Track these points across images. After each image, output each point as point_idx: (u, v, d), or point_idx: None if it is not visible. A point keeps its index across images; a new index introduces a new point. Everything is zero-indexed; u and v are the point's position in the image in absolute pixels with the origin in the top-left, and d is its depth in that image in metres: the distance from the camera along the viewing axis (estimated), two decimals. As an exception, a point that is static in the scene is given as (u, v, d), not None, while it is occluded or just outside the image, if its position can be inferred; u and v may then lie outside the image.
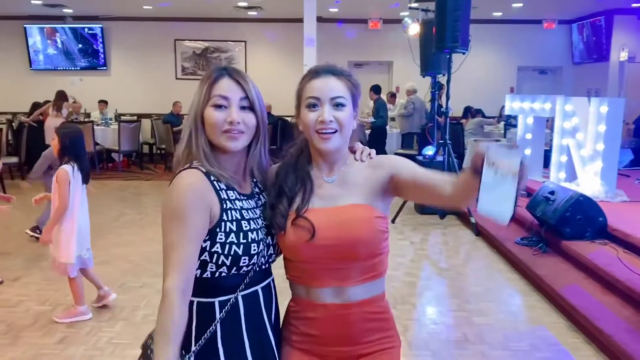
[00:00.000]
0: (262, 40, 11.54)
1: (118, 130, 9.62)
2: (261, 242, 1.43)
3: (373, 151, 1.56)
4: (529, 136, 6.95)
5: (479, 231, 5.78)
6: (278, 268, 1.53)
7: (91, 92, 11.13)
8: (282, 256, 1.51)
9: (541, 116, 6.77)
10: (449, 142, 6.38)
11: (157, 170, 10.12)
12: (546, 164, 6.80)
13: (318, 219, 1.41)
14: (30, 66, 11.61)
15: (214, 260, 1.38)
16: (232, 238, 1.39)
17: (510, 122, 9.16)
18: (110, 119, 10.35)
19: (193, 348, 1.39)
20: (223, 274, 1.40)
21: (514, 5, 9.80)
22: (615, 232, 4.50)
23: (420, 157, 7.04)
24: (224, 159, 1.45)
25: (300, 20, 8.99)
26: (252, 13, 10.72)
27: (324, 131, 1.41)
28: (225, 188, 1.43)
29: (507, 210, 1.15)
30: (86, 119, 10.07)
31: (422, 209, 6.72)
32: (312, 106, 1.44)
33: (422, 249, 5.42)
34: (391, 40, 11.11)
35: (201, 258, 1.38)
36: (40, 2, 9.82)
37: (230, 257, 1.38)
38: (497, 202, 1.15)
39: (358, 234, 1.40)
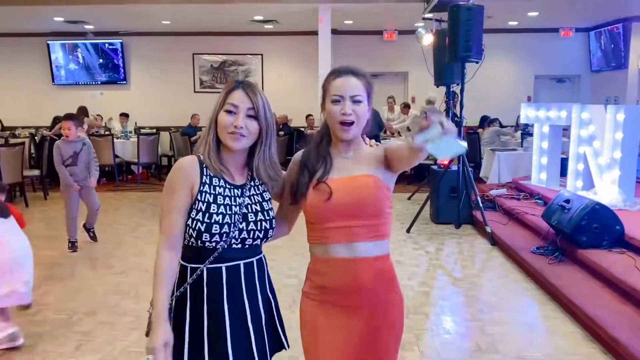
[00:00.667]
0: (278, 53, 11.66)
1: (137, 142, 9.78)
2: (228, 225, 1.68)
3: (374, 141, 1.87)
4: (545, 145, 6.89)
5: (494, 241, 5.73)
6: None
7: (111, 106, 11.37)
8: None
9: (557, 124, 6.72)
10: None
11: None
12: (563, 172, 6.74)
13: (335, 185, 1.72)
14: (53, 81, 11.89)
15: (187, 230, 1.68)
16: (199, 216, 1.67)
17: (527, 130, 9.10)
18: (130, 132, 10.53)
19: (174, 295, 1.70)
20: (192, 244, 1.69)
21: (530, 14, 9.76)
22: (632, 240, 4.44)
23: (435, 167, 7.02)
24: (226, 155, 1.75)
25: (316, 33, 9.10)
26: (268, 26, 10.86)
27: (345, 120, 1.72)
28: (211, 175, 1.72)
29: (460, 147, 1.44)
30: (106, 132, 10.26)
31: (437, 219, 6.69)
32: (336, 102, 1.73)
33: (436, 259, 5.39)
34: (406, 50, 11.14)
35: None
36: (62, 19, 10.08)
37: (195, 231, 1.66)
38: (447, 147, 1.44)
39: (366, 196, 1.71)
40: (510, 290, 4.49)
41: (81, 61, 11.89)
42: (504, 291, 4.48)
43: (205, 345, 1.68)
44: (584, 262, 4.43)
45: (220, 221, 1.67)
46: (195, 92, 11.95)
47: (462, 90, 6.35)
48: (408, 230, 6.29)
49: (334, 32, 9.56)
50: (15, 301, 3.41)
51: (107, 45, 11.75)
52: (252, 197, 1.76)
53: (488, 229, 5.82)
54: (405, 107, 10.51)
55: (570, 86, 11.98)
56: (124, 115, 10.98)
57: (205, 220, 1.66)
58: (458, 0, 6.27)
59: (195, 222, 1.66)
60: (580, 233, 4.53)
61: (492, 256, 5.46)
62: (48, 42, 11.68)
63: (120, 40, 11.66)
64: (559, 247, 4.78)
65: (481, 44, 5.98)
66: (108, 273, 4.87)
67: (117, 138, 10.10)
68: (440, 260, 5.36)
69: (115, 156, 9.72)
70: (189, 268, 1.71)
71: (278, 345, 1.85)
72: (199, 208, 1.67)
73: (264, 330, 1.78)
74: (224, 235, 1.68)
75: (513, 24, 10.78)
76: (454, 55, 5.96)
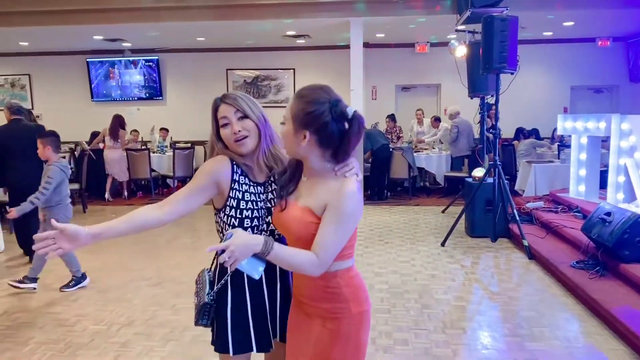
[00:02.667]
0: (310, 67, 11.75)
1: (173, 157, 9.96)
2: (257, 219, 1.93)
3: (359, 175, 1.81)
4: (583, 156, 6.73)
5: (532, 254, 5.60)
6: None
7: (148, 121, 11.61)
8: None
9: (596, 135, 6.55)
10: (499, 163, 6.26)
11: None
12: (602, 185, 6.56)
13: (280, 209, 1.83)
14: (92, 98, 12.23)
15: (223, 226, 1.93)
16: (232, 212, 1.91)
17: (564, 142, 8.91)
18: (166, 146, 10.73)
19: (215, 288, 1.96)
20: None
21: (565, 24, 9.60)
22: (678, 254, 4.27)
23: (469, 179, 6.93)
24: (240, 160, 1.95)
25: (347, 47, 9.13)
26: (300, 41, 10.96)
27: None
28: (239, 173, 1.93)
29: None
30: (142, 147, 10.48)
31: (472, 232, 6.58)
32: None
33: (472, 273, 5.29)
34: (439, 62, 11.08)
35: (221, 224, 1.94)
36: (101, 37, 10.40)
37: (229, 227, 1.90)
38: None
39: (290, 229, 1.78)
40: (550, 305, 4.37)
41: (119, 78, 12.21)
42: (543, 306, 4.36)
43: (251, 326, 1.95)
44: (627, 277, 4.28)
45: (250, 215, 1.91)
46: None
47: (496, 102, 6.26)
48: (443, 244, 6.21)
49: (366, 45, 9.58)
50: None
51: (143, 62, 12.05)
52: (273, 192, 1.95)
53: (525, 243, 5.70)
54: (436, 120, 10.43)
55: (608, 97, 11.69)
56: (164, 130, 11.22)
57: (237, 215, 1.90)
58: (492, 12, 6.21)
59: (229, 217, 1.91)
60: (622, 247, 4.39)
61: (529, 270, 5.34)
62: (87, 60, 12.05)
63: (157, 57, 11.94)
64: (600, 261, 4.64)
65: (516, 54, 5.91)
66: (144, 285, 4.95)
67: (153, 152, 10.31)
68: (476, 274, 5.26)
69: (152, 170, 9.92)
70: None
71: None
72: (231, 204, 1.91)
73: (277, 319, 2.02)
74: (255, 228, 1.92)
75: (548, 34, 10.61)
76: (488, 66, 5.90)
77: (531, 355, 3.45)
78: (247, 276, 1.90)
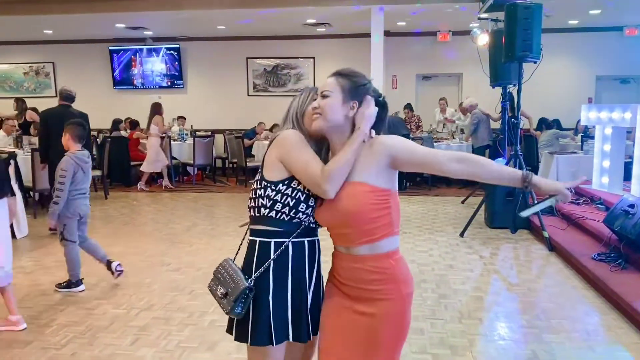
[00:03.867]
0: (330, 55, 11.70)
1: (193, 145, 10.03)
2: (311, 198, 1.89)
3: (372, 132, 1.86)
4: (607, 147, 6.60)
5: (552, 246, 5.53)
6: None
7: (169, 109, 11.69)
8: None
9: (621, 126, 6.42)
10: (520, 153, 6.17)
11: (229, 183, 10.44)
12: (627, 177, 6.42)
13: None
14: (114, 86, 12.37)
15: (282, 200, 1.86)
16: (300, 186, 1.87)
17: (588, 133, 8.75)
18: (186, 134, 10.82)
19: (253, 275, 1.88)
20: (283, 217, 1.87)
21: (591, 12, 9.39)
22: None
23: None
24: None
25: (368, 35, 9.07)
26: (321, 30, 10.91)
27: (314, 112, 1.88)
28: None
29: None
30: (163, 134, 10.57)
31: (492, 223, 6.52)
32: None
33: (491, 264, 5.25)
34: (460, 51, 10.95)
35: (273, 198, 1.87)
36: (123, 26, 10.49)
37: (294, 200, 1.86)
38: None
39: (346, 207, 1.79)
40: (569, 298, 4.32)
41: (140, 66, 12.32)
42: (563, 298, 4.31)
43: (289, 309, 1.91)
44: (650, 270, 4.20)
45: (309, 192, 1.88)
46: (248, 95, 12.15)
47: (519, 91, 6.17)
48: (462, 235, 6.17)
49: (387, 33, 9.50)
50: None
51: (165, 50, 12.13)
52: None
53: (546, 234, 5.62)
54: (463, 108, 10.25)
55: (635, 87, 11.43)
56: (182, 118, 11.33)
57: (305, 191, 1.88)
58: (515, -1, 6.10)
59: (296, 191, 1.87)
60: (646, 239, 4.30)
61: (549, 262, 5.27)
62: (110, 48, 12.17)
63: (178, 46, 12.01)
64: (622, 254, 4.56)
65: (539, 43, 5.79)
66: (163, 270, 5.01)
67: (174, 140, 10.40)
68: (495, 265, 5.22)
69: (172, 158, 10.01)
70: (272, 243, 1.89)
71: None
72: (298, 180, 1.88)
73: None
74: (312, 207, 1.90)
75: (573, 22, 10.40)
76: (511, 54, 5.80)
77: (548, 347, 3.41)
78: (291, 258, 1.89)
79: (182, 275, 4.85)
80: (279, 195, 1.87)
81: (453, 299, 4.26)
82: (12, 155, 6.27)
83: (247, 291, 1.85)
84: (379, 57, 8.73)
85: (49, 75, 12.67)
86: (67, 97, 6.42)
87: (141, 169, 9.54)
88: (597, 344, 3.53)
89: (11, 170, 6.00)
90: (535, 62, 5.93)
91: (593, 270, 4.48)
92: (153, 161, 9.45)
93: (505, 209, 6.35)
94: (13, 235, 6.06)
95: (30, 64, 12.66)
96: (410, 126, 10.17)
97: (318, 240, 2.01)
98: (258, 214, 1.92)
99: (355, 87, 1.85)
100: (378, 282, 1.83)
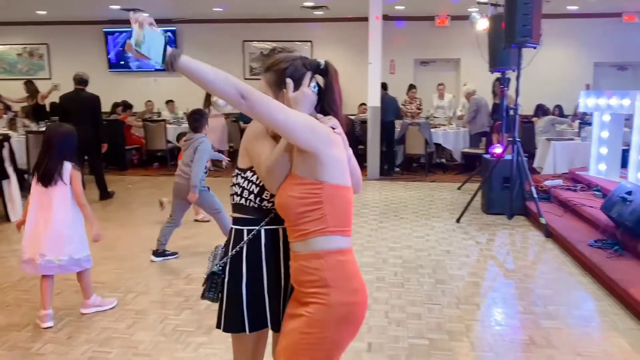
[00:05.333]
0: (327, 39, 11.60)
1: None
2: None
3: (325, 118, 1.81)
4: (604, 134, 6.60)
5: (549, 233, 5.54)
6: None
7: (164, 93, 11.62)
8: None
9: (619, 113, 6.40)
10: (518, 140, 6.16)
11: (224, 167, 10.36)
12: (624, 164, 6.43)
13: None
14: (109, 68, 12.24)
15: (248, 187, 1.85)
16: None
17: (585, 119, 8.74)
18: (181, 118, 10.74)
19: (225, 259, 1.89)
20: (251, 204, 1.85)
21: (591, -3, 9.34)
22: (700, 235, 4.19)
23: (487, 156, 6.83)
24: None
25: (366, 19, 8.98)
26: (318, 13, 10.80)
27: None
28: None
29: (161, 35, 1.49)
30: (157, 118, 10.50)
31: (488, 209, 6.52)
32: None
33: (487, 249, 5.25)
34: (459, 37, 10.88)
35: (242, 185, 1.87)
36: (118, 7, 10.35)
37: (258, 187, 1.83)
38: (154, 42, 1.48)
39: (277, 200, 1.75)
40: (566, 284, 4.33)
41: (136, 48, 12.17)
42: (559, 284, 4.32)
43: (266, 298, 1.87)
44: (646, 257, 4.22)
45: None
46: (245, 79, 12.05)
47: (518, 77, 6.13)
48: (458, 220, 6.17)
49: (385, 17, 9.41)
50: (29, 270, 3.50)
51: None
52: None
53: (543, 220, 5.63)
54: (469, 94, 10.13)
55: (632, 74, 11.41)
56: (171, 102, 11.24)
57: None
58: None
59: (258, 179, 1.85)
60: (643, 226, 4.31)
61: (546, 248, 5.28)
62: (104, 29, 12.02)
63: (174, 28, 11.87)
64: (619, 241, 4.57)
65: (539, 28, 5.76)
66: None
67: (169, 124, 10.32)
68: (491, 251, 5.23)
69: (167, 141, 9.94)
70: (245, 231, 1.87)
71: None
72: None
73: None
74: (269, 199, 1.85)
75: (573, 8, 10.33)
76: (511, 39, 5.76)
77: (546, 333, 3.43)
78: (265, 246, 1.85)
79: (178, 259, 4.84)
80: (246, 182, 1.86)
81: (450, 285, 4.27)
82: (6, 137, 6.20)
83: (214, 276, 1.88)
84: (378, 41, 8.65)
85: (42, 57, 12.52)
86: (81, 81, 7.12)
87: (219, 147, 9.72)
88: (592, 329, 3.55)
89: (5, 152, 5.94)
90: (534, 48, 5.89)
91: (590, 257, 4.49)
92: (222, 140, 9.64)
93: (501, 195, 6.35)
94: (8, 219, 6.04)
95: (24, 45, 12.50)
96: (412, 107, 10.07)
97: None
98: (233, 202, 1.93)
99: (278, 76, 1.79)
100: (309, 283, 1.71)
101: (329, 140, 1.71)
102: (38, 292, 4.05)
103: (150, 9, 10.75)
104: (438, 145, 9.69)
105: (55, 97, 9.80)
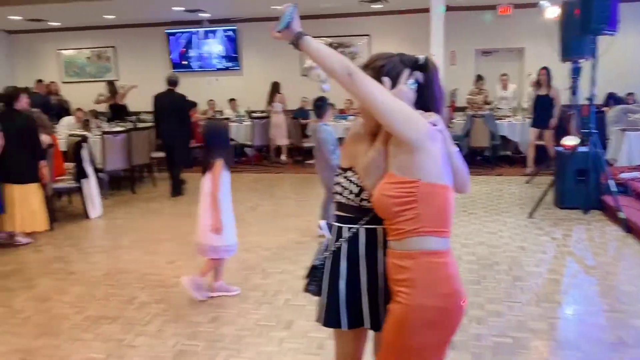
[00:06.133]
0: (386, 33, 11.50)
1: (252, 126, 10.16)
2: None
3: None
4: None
5: (630, 227, 5.30)
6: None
7: (225, 91, 11.85)
8: None
9: None
10: (594, 131, 5.92)
11: (286, 163, 10.50)
12: None
13: None
14: (172, 68, 12.59)
15: (348, 187, 1.86)
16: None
17: (662, 109, 8.29)
18: (243, 116, 10.93)
19: (326, 253, 1.92)
20: (351, 203, 1.86)
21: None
22: None
23: (559, 148, 6.60)
24: None
25: (426, 11, 8.84)
26: (377, 6, 10.72)
27: None
28: None
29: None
30: (219, 116, 10.73)
31: (561, 203, 6.30)
32: None
33: (564, 245, 5.09)
34: (523, 25, 10.53)
35: (342, 184, 1.88)
36: (181, 9, 10.62)
37: (358, 187, 1.83)
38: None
39: (374, 200, 1.75)
40: (652, 281, 4.14)
41: (197, 48, 12.48)
42: (645, 282, 4.14)
43: (364, 296, 1.87)
44: None
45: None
46: (302, 75, 12.11)
47: (594, 66, 5.88)
48: (530, 215, 5.99)
49: (447, 8, 9.23)
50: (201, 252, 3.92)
51: (221, 32, 12.24)
52: None
53: (622, 215, 5.39)
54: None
55: None
56: (233, 100, 11.46)
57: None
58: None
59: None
60: None
61: (626, 244, 5.06)
62: (166, 31, 12.37)
63: (234, 27, 12.08)
64: None
65: (617, 14, 5.49)
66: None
67: (232, 122, 10.53)
68: (568, 247, 5.06)
69: (230, 139, 10.13)
70: (344, 229, 1.89)
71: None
72: None
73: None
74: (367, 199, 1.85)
75: (648, -10, 9.80)
76: (586, 27, 5.52)
77: (636, 332, 3.29)
78: (365, 245, 1.87)
79: (252, 254, 4.93)
80: (347, 181, 1.87)
81: (528, 282, 4.16)
82: (85, 138, 6.50)
83: (315, 270, 1.95)
84: (439, 33, 8.50)
85: (109, 59, 13.02)
86: (171, 81, 7.59)
87: (278, 143, 10.37)
88: (687, 330, 3.38)
89: (84, 152, 6.23)
90: (612, 35, 5.63)
91: (678, 253, 4.28)
92: (281, 136, 10.20)
93: (576, 189, 6.12)
94: (87, 216, 6.34)
95: (92, 49, 13.04)
96: (479, 99, 9.83)
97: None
98: (335, 200, 1.95)
99: (375, 74, 1.75)
100: (398, 282, 1.71)
101: (427, 134, 1.68)
102: (124, 285, 4.26)
103: (211, 9, 11.00)
104: (503, 137, 9.43)
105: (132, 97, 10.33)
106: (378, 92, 1.64)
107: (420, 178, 1.66)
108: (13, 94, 5.36)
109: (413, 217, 1.66)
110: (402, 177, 1.68)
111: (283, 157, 10.51)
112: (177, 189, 7.52)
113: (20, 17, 11.09)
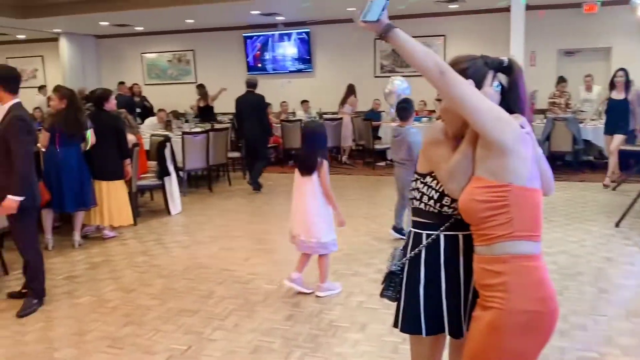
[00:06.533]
0: (462, 33, 11.24)
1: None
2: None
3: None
4: None
5: None
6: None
7: (298, 93, 12.01)
8: None
9: None
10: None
11: (356, 165, 10.50)
12: None
13: None
14: (248, 71, 12.91)
15: (428, 192, 1.84)
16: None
17: None
18: (315, 117, 11.03)
19: (404, 259, 1.91)
20: (430, 209, 1.83)
21: None
22: None
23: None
24: None
25: (506, 10, 8.57)
26: (453, 6, 10.51)
27: None
28: None
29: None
30: (292, 118, 10.89)
31: (652, 212, 5.91)
32: None
33: (656, 257, 4.77)
34: (610, 23, 9.99)
35: (421, 190, 1.86)
36: (258, 12, 10.88)
37: (438, 193, 1.81)
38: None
39: (460, 204, 1.72)
40: None
41: (272, 51, 12.73)
42: None
43: (444, 303, 1.84)
44: None
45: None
46: (375, 76, 12.08)
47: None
48: (617, 224, 5.66)
49: (528, 7, 8.91)
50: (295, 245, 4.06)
51: (295, 35, 12.42)
52: None
53: None
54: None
55: None
56: (306, 102, 11.58)
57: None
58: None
59: (440, 184, 1.81)
60: None
61: None
62: (243, 34, 12.70)
63: (308, 30, 12.22)
64: None
65: None
66: (306, 250, 5.16)
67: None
68: (661, 258, 4.74)
69: (303, 140, 10.26)
70: (424, 235, 1.86)
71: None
72: None
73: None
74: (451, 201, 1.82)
75: None
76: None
77: None
78: (444, 252, 1.83)
79: (325, 255, 4.95)
80: (426, 187, 1.84)
81: (615, 295, 3.95)
82: (167, 139, 6.79)
83: (392, 276, 1.92)
84: (520, 32, 8.22)
85: (189, 62, 13.53)
86: (250, 84, 7.99)
87: (342, 144, 10.57)
88: None
89: (167, 152, 6.50)
90: None
91: None
92: (346, 137, 10.37)
93: (669, 197, 5.72)
94: (168, 212, 6.61)
95: (173, 52, 13.61)
96: (561, 101, 9.42)
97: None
98: (412, 206, 1.92)
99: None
100: (490, 287, 1.67)
101: (518, 137, 1.65)
102: (202, 280, 4.41)
103: (287, 13, 11.19)
104: (586, 141, 8.97)
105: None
106: (470, 93, 1.62)
107: (511, 182, 1.63)
108: (103, 95, 5.68)
109: (505, 222, 1.63)
110: (492, 181, 1.64)
111: (344, 158, 10.58)
112: (256, 182, 7.78)
113: (108, 23, 11.75)
